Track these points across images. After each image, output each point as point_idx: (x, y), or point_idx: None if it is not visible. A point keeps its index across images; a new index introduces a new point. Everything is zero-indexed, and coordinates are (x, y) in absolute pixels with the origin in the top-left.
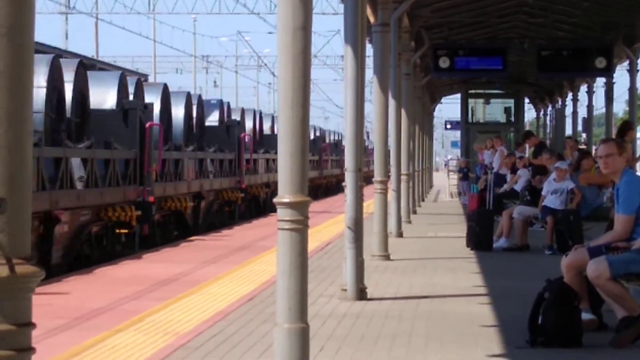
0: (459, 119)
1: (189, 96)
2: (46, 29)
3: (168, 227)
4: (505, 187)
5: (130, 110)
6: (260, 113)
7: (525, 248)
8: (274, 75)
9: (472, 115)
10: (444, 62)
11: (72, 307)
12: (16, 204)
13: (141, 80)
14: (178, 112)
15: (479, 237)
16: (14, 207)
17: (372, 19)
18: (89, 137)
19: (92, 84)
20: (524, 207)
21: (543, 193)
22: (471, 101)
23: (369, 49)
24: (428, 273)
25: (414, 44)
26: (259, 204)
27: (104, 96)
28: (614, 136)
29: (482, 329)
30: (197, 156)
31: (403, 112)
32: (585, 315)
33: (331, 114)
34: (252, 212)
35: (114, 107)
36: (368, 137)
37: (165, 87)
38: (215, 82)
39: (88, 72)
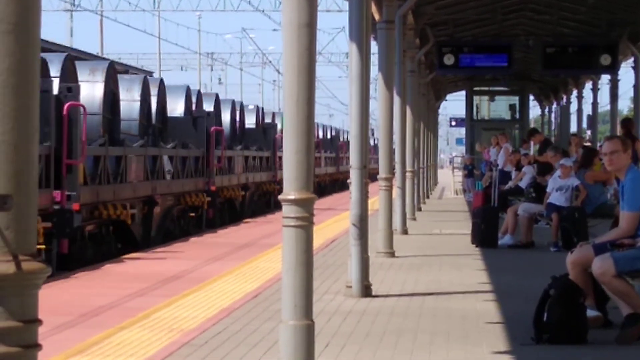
0: (464, 116)
1: (233, 103)
2: (51, 26)
3: (223, 213)
4: (510, 184)
5: (199, 117)
6: None
7: (530, 245)
8: (278, 73)
9: (477, 112)
10: (448, 59)
11: (77, 304)
12: (22, 201)
13: (201, 92)
14: (226, 117)
15: (484, 234)
16: (20, 204)
17: (376, 16)
18: (173, 139)
19: (167, 95)
20: (529, 204)
21: (548, 190)
22: (476, 98)
23: (374, 46)
24: (433, 270)
25: (418, 41)
26: None
27: (175, 105)
28: (619, 133)
29: (487, 325)
30: (244, 154)
31: (408, 109)
32: (591, 312)
33: (336, 111)
34: None
35: (182, 115)
36: (373, 134)
37: (217, 97)
38: (220, 79)
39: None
